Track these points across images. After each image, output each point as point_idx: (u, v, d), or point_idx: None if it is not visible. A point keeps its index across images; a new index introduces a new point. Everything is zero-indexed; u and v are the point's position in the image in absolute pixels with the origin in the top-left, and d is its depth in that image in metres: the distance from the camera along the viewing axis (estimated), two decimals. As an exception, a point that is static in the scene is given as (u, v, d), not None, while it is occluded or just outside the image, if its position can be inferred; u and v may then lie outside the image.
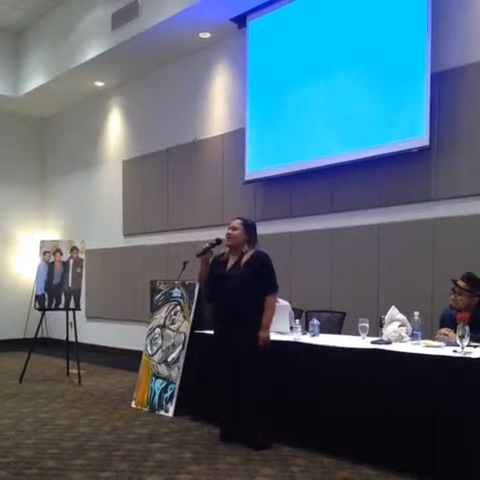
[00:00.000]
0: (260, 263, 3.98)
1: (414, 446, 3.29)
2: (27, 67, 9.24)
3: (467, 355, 3.23)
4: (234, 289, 3.93)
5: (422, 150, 5.12)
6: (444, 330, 3.78)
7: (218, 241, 4.15)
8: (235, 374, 3.96)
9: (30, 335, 7.16)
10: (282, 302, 4.47)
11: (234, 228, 4.04)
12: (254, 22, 6.58)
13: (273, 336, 4.05)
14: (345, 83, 5.69)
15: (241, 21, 6.71)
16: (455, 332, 3.42)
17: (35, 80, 9.00)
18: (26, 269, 9.75)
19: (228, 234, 4.05)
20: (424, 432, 3.25)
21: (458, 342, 3.30)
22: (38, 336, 6.77)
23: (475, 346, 3.43)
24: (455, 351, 3.31)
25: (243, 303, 3.92)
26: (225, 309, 3.99)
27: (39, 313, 6.87)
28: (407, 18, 5.21)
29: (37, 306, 6.81)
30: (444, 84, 5.07)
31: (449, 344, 3.54)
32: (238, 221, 4.08)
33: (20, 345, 8.60)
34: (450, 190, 5.05)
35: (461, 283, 3.87)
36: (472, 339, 3.37)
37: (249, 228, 4.07)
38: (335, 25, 5.79)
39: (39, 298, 6.78)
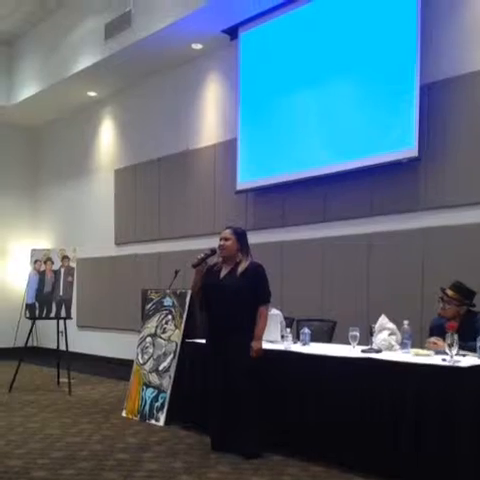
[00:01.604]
0: (256, 274, 4.00)
1: (403, 454, 3.30)
2: (20, 76, 9.26)
3: (456, 364, 3.25)
4: (230, 298, 3.94)
5: (411, 161, 5.18)
6: (433, 339, 3.81)
7: (213, 251, 4.16)
8: (226, 383, 3.97)
9: (20, 344, 7.12)
10: (273, 311, 4.48)
11: (226, 239, 4.05)
12: (246, 34, 6.64)
13: (264, 345, 4.06)
14: (335, 94, 5.75)
15: (233, 32, 6.78)
16: (444, 341, 3.45)
17: (28, 89, 9.02)
18: (17, 278, 9.70)
19: (221, 246, 4.06)
20: (413, 440, 3.27)
21: (447, 351, 3.33)
22: (28, 345, 6.74)
23: (464, 355, 3.46)
24: (444, 360, 3.34)
25: (238, 312, 3.93)
26: (220, 317, 3.99)
27: (29, 322, 6.85)
28: (396, 30, 5.29)
29: (28, 315, 6.78)
30: (433, 95, 5.13)
31: (438, 353, 3.57)
32: (229, 231, 4.10)
33: (10, 354, 8.53)
34: (439, 200, 5.10)
35: (450, 292, 3.91)
36: (461, 348, 3.40)
37: (241, 237, 4.09)
38: (325, 36, 5.86)
39: (30, 307, 6.76)
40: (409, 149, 5.16)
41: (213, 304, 4.05)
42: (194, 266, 4.12)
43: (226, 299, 3.95)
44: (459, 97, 5.01)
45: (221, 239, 4.07)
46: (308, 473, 3.56)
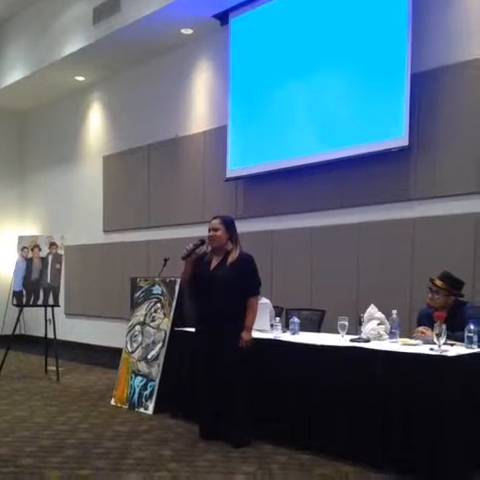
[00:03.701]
0: (246, 265, 3.99)
1: (392, 442, 3.33)
2: (6, 60, 9.11)
3: (444, 353, 3.28)
4: (220, 288, 3.93)
5: (401, 150, 5.17)
6: (421, 328, 3.83)
7: (202, 242, 4.13)
8: (215, 371, 3.97)
9: (7, 332, 7.07)
10: (263, 300, 4.48)
11: (215, 229, 4.02)
12: (236, 19, 6.58)
13: (253, 334, 4.06)
14: (326, 82, 5.72)
15: (223, 18, 6.71)
16: (432, 330, 3.47)
17: (14, 74, 8.88)
18: (4, 265, 9.62)
19: (210, 237, 4.03)
20: (402, 429, 3.30)
21: (435, 340, 3.36)
22: (16, 333, 6.70)
23: (451, 344, 3.48)
24: (432, 349, 3.36)
25: (228, 302, 3.92)
26: (210, 308, 3.98)
27: (17, 309, 6.80)
28: (388, 19, 5.26)
29: (15, 302, 6.73)
30: (424, 85, 5.12)
31: (426, 342, 3.60)
32: (217, 221, 4.05)
33: (-3, 342, 8.49)
34: (429, 190, 5.11)
35: (438, 282, 3.93)
36: (448, 337, 3.42)
37: (230, 226, 4.07)
38: (317, 24, 5.81)
39: (17, 294, 6.71)
40: (399, 138, 5.16)
41: (203, 294, 4.03)
42: (184, 258, 4.09)
43: (217, 290, 3.94)
44: (449, 87, 5.00)
45: (210, 230, 4.04)
46: (296, 461, 3.58)
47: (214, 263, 4.04)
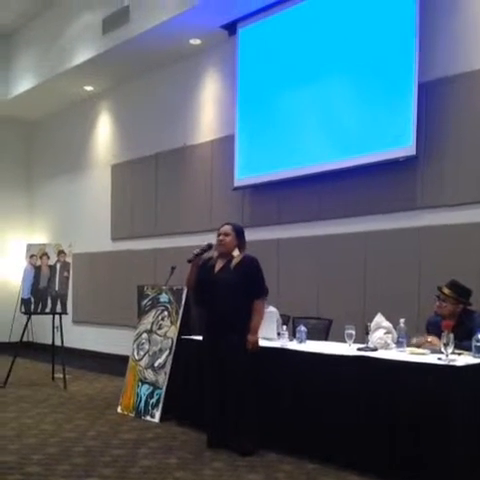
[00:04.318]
0: (250, 267, 4.00)
1: (399, 453, 3.31)
2: (16, 70, 9.21)
3: (451, 363, 3.26)
4: (225, 292, 3.93)
5: (409, 159, 5.17)
6: (429, 338, 3.82)
7: (209, 246, 4.16)
8: (222, 379, 3.97)
9: (15, 339, 7.10)
10: (270, 308, 4.48)
11: (226, 234, 4.05)
12: (244, 29, 6.62)
13: (260, 342, 4.06)
14: (333, 91, 5.74)
15: (231, 28, 6.76)
16: (440, 338, 3.46)
17: (24, 83, 8.98)
18: (12, 272, 9.67)
19: (220, 240, 4.05)
20: (409, 439, 3.28)
21: (443, 350, 3.34)
22: (23, 340, 6.72)
23: (459, 353, 3.46)
24: (440, 359, 3.34)
25: (234, 306, 3.93)
26: (215, 312, 3.98)
27: (25, 317, 6.83)
28: (395, 28, 5.28)
29: (23, 310, 6.76)
30: (431, 94, 5.13)
31: (434, 351, 3.58)
32: (229, 227, 4.10)
33: (5, 349, 8.50)
34: (436, 199, 5.10)
35: (446, 290, 3.92)
36: (456, 346, 3.40)
37: (239, 234, 4.09)
38: (324, 34, 5.84)
39: (25, 302, 6.74)
40: (406, 147, 5.16)
41: (209, 299, 4.04)
42: (190, 261, 4.12)
43: (221, 293, 3.94)
44: (457, 96, 5.00)
45: (220, 234, 4.07)
46: (303, 471, 3.57)
47: (218, 267, 4.05)
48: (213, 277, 4.02)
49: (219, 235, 4.07)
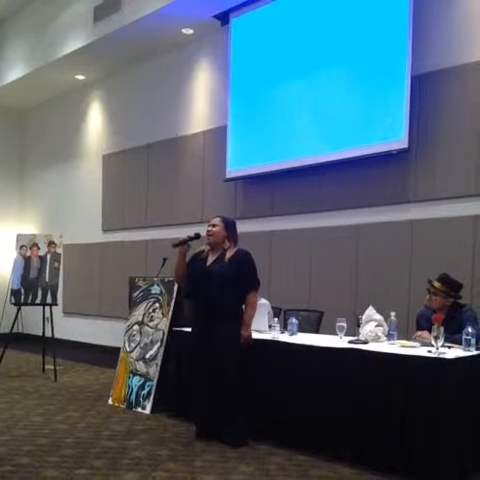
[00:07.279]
0: (243, 261, 4.00)
1: (388, 445, 3.33)
2: (7, 59, 9.10)
3: (441, 355, 3.28)
4: (218, 284, 3.92)
5: (401, 152, 5.18)
6: (419, 332, 3.85)
7: (197, 235, 4.16)
8: (213, 371, 3.97)
9: (5, 330, 7.06)
10: (261, 300, 4.49)
11: (214, 225, 4.07)
12: (237, 19, 6.58)
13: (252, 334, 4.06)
14: (326, 83, 5.72)
15: (224, 18, 6.71)
16: (430, 332, 3.48)
17: (15, 72, 8.88)
18: (2, 263, 9.61)
19: (208, 231, 4.07)
20: (398, 431, 3.30)
21: (433, 342, 3.36)
22: (13, 331, 6.69)
23: (449, 347, 3.49)
24: (430, 351, 3.36)
25: (226, 298, 3.92)
26: (208, 304, 3.97)
27: (15, 308, 6.79)
28: (389, 20, 5.26)
29: (13, 301, 6.72)
30: (424, 87, 5.13)
31: (424, 344, 3.60)
32: (217, 218, 4.12)
33: (-5, 340, 8.49)
34: (428, 192, 5.11)
35: (436, 284, 3.93)
36: (446, 340, 3.43)
37: (229, 225, 4.09)
38: (318, 25, 5.82)
39: (15, 293, 6.70)
40: (399, 140, 5.16)
41: (200, 291, 4.02)
42: (174, 246, 4.11)
43: (213, 286, 3.93)
44: (450, 89, 5.00)
45: (209, 225, 4.07)
46: (294, 462, 3.58)
47: (210, 260, 4.05)
48: (205, 270, 4.01)
49: (208, 226, 4.07)
